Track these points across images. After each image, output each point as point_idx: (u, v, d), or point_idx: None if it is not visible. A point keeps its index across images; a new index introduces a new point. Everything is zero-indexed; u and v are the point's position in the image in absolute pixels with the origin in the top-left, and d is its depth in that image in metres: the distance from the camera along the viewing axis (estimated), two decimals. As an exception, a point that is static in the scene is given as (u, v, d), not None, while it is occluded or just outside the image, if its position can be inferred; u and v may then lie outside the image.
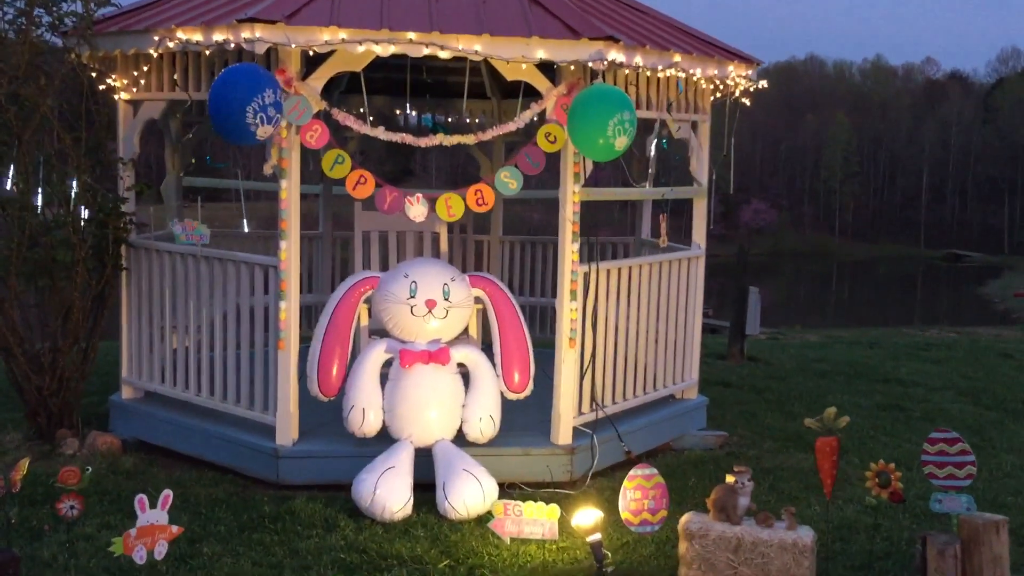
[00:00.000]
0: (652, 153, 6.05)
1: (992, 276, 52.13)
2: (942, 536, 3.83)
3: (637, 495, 4.32)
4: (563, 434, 5.66)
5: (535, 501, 5.21)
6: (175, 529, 3.93)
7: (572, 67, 5.36)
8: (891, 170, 71.04)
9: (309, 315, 8.16)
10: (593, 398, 5.82)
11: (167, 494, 3.91)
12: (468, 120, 8.60)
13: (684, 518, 4.26)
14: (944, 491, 4.04)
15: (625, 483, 4.36)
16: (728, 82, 6.26)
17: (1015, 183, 67.15)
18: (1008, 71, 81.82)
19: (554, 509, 4.31)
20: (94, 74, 6.01)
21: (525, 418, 5.90)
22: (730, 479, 4.20)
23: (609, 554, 4.39)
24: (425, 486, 5.16)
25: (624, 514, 4.35)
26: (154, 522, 3.85)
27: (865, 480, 5.61)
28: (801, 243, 63.34)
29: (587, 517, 4.29)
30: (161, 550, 3.88)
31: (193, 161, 7.25)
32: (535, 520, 4.31)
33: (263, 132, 4.86)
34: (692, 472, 5.90)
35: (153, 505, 3.88)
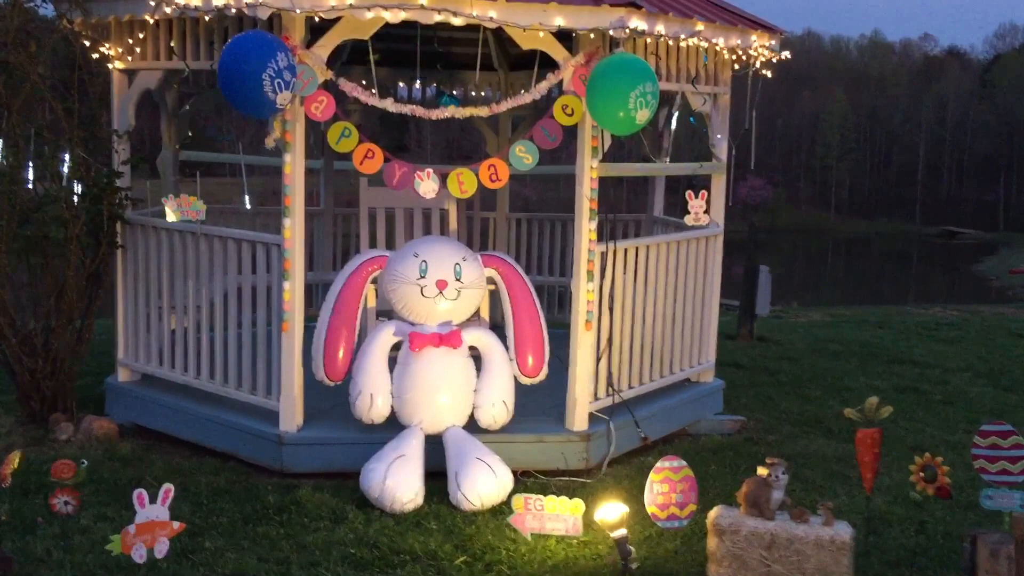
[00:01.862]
0: (673, 126, 5.78)
1: (987, 253, 51.95)
2: (994, 535, 3.62)
3: (664, 488, 4.10)
4: (578, 420, 5.44)
5: (551, 490, 5.03)
6: (176, 525, 3.70)
7: (591, 35, 5.09)
8: (888, 147, 70.68)
9: (310, 294, 7.91)
10: (609, 383, 5.60)
11: (168, 488, 3.68)
12: (474, 93, 8.32)
13: (713, 512, 4.04)
14: (995, 487, 3.82)
15: (652, 475, 4.14)
16: (750, 52, 6.00)
17: (1011, 160, 66.89)
18: (1006, 47, 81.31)
19: (578, 504, 4.09)
20: (87, 42, 5.73)
21: (538, 403, 5.68)
22: (763, 471, 3.97)
23: (633, 549, 4.17)
24: (435, 474, 4.94)
25: (651, 508, 4.13)
26: (154, 518, 3.62)
27: (893, 467, 5.46)
28: (797, 220, 63.03)
29: (612, 511, 4.07)
30: (162, 547, 3.65)
31: (190, 134, 6.95)
32: (558, 515, 4.10)
33: (283, 99, 4.60)
34: (711, 459, 5.68)
35: (153, 500, 3.65)
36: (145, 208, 6.16)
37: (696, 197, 5.79)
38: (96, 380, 6.50)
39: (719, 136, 6.25)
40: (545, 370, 5.46)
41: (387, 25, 4.97)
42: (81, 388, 6.28)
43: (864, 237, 61.32)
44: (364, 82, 6.75)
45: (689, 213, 5.84)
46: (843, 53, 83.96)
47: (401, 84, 8.26)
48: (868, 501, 4.40)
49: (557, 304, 8.20)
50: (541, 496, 4.13)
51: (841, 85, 70.79)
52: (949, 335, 10.74)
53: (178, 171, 7.05)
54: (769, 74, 6.25)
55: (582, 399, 5.44)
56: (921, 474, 3.95)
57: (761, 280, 9.80)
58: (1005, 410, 7.10)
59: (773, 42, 6.16)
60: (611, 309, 5.54)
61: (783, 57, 6.27)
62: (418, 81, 7.85)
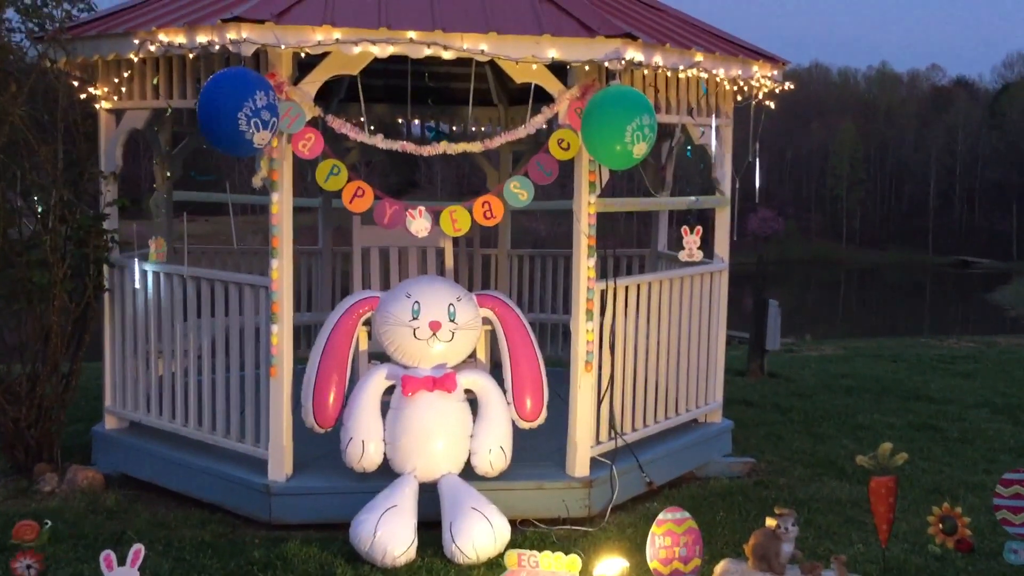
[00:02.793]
0: (672, 159, 5.61)
1: (1001, 282, 51.56)
2: (1019, 592, 3.38)
3: (667, 542, 3.88)
4: (580, 465, 5.22)
5: (551, 539, 4.80)
6: (148, 588, 3.49)
7: (586, 68, 4.94)
8: (898, 177, 70.48)
9: (309, 335, 7.76)
10: (612, 426, 5.38)
11: (137, 549, 3.48)
12: (474, 128, 8.18)
13: (719, 567, 3.82)
14: (1020, 539, 3.58)
15: (654, 528, 3.91)
16: (752, 83, 5.84)
17: (1023, 188, 66.56)
18: (1014, 76, 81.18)
19: (574, 560, 3.87)
20: (76, 82, 5.61)
21: (538, 447, 5.47)
22: (771, 523, 3.75)
23: (635, 606, 3.95)
24: (430, 524, 4.72)
25: (653, 563, 3.90)
26: (124, 581, 3.41)
27: (910, 512, 5.21)
28: (808, 251, 62.77)
29: (611, 568, 3.84)
30: (132, 612, 3.44)
31: (169, 174, 6.79)
32: (553, 573, 3.86)
33: (260, 139, 4.44)
34: (720, 504, 5.44)
35: (123, 561, 3.45)
36: (131, 251, 6.00)
37: (691, 232, 5.61)
38: (87, 427, 6.32)
39: (722, 169, 6.08)
40: (544, 413, 5.25)
41: (384, 61, 4.83)
42: (71, 435, 6.11)
43: (876, 267, 60.99)
44: (363, 119, 6.65)
45: (684, 248, 5.65)
46: (851, 84, 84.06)
47: (401, 120, 8.14)
48: (884, 555, 4.15)
49: (562, 342, 8.00)
50: (536, 552, 3.91)
51: (850, 116, 70.80)
52: (965, 368, 10.47)
53: (172, 212, 6.91)
54: (772, 105, 6.09)
55: (583, 443, 5.22)
56: (940, 526, 3.71)
57: (771, 315, 9.58)
58: (1026, 448, 6.84)
59: (775, 72, 6.00)
60: (612, 348, 5.35)
61: (786, 88, 6.11)
62: (415, 119, 7.71)
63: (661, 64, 5.03)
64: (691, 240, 5.54)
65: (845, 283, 55.85)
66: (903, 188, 70.49)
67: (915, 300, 47.44)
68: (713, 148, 5.94)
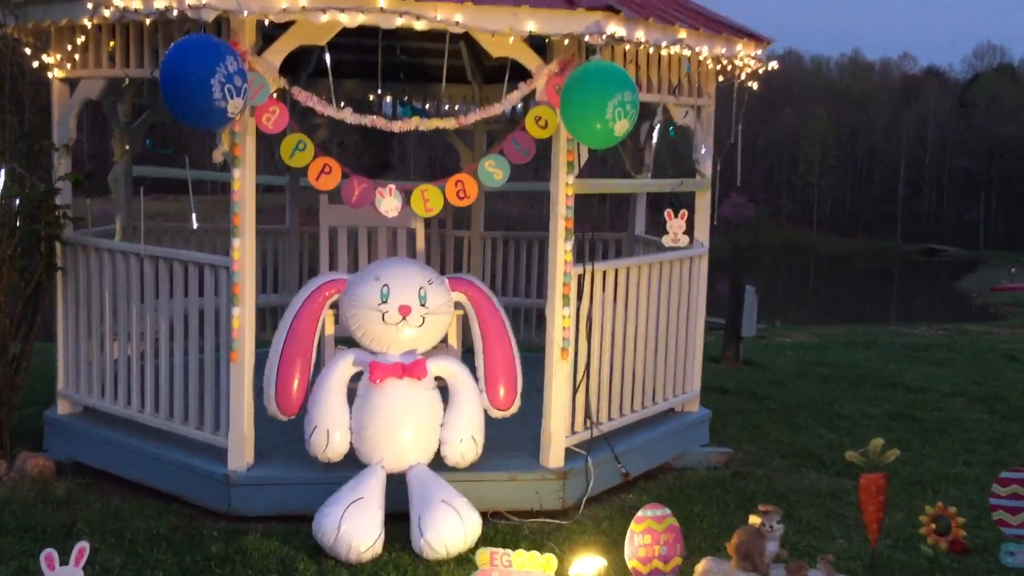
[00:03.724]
0: (654, 140, 5.41)
1: (968, 270, 52.03)
2: (1015, 595, 3.25)
3: (647, 539, 3.70)
4: (554, 456, 5.04)
5: (523, 532, 4.63)
6: (93, 589, 3.26)
7: (566, 42, 4.73)
8: (868, 164, 70.89)
9: (276, 318, 7.50)
10: (588, 415, 5.20)
11: (81, 547, 3.24)
12: (447, 106, 7.94)
13: (701, 566, 3.65)
14: (1017, 541, 3.44)
15: (633, 526, 3.73)
16: (736, 62, 5.65)
17: (990, 177, 67.21)
18: (984, 66, 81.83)
19: (549, 560, 3.68)
20: (27, 49, 5.31)
21: (510, 437, 5.28)
22: (755, 520, 3.59)
23: (612, 606, 3.77)
24: (399, 516, 4.52)
25: (632, 562, 3.73)
26: (66, 582, 3.18)
27: (890, 504, 5.07)
28: (779, 237, 63.02)
29: (587, 567, 3.66)
30: (76, 613, 3.22)
31: (127, 148, 6.49)
32: (527, 572, 3.68)
33: (234, 107, 4.18)
34: (698, 496, 5.29)
35: (66, 559, 3.22)
36: (85, 227, 5.72)
37: (676, 216, 5.42)
38: (39, 412, 6.03)
39: (703, 151, 5.89)
40: (518, 402, 5.06)
41: (355, 34, 4.58)
42: (22, 420, 5.84)
43: (846, 254, 61.33)
44: (332, 94, 6.37)
45: (668, 233, 5.46)
46: (824, 72, 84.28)
47: (372, 98, 7.87)
48: (873, 553, 4.00)
49: (535, 327, 7.82)
50: (509, 551, 3.72)
51: (822, 103, 71.03)
52: (939, 356, 10.41)
53: (131, 188, 6.62)
54: (755, 86, 5.90)
55: (558, 433, 5.04)
56: (933, 526, 3.56)
57: (747, 301, 9.44)
58: (1005, 440, 6.74)
59: (759, 52, 5.82)
60: (589, 335, 5.16)
61: (770, 67, 5.92)
62: (387, 97, 7.45)
63: (643, 40, 4.82)
64: (676, 224, 5.34)
65: (815, 269, 56.13)
66: (873, 176, 70.93)
67: (884, 287, 47.75)
68: (695, 129, 5.75)
